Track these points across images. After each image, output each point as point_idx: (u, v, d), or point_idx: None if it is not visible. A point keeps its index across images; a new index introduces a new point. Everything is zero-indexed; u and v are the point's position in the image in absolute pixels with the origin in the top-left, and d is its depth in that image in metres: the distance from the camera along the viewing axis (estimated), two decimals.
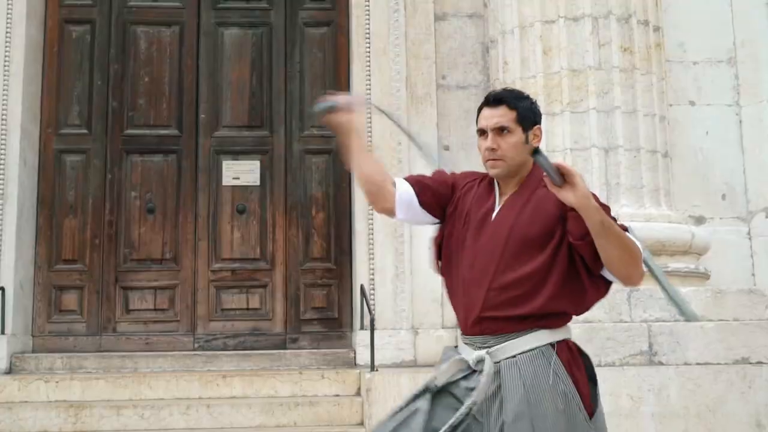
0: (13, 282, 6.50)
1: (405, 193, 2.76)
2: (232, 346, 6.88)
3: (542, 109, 5.96)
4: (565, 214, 2.53)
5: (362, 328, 6.50)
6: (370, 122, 6.65)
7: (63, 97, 7.17)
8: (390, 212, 2.80)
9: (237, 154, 7.18)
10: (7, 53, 6.71)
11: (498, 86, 6.49)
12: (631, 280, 2.51)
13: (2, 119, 6.61)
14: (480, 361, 2.57)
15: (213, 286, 7.03)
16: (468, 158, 6.76)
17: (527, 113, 2.70)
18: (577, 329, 5.65)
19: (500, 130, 2.66)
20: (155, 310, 6.97)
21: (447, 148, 6.81)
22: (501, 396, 2.52)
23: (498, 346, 2.58)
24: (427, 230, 6.40)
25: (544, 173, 2.44)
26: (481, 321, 2.59)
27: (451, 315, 6.33)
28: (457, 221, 2.73)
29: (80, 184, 7.08)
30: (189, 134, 7.19)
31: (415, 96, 6.82)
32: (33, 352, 6.73)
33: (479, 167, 6.82)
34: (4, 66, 6.69)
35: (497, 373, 2.54)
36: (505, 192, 2.71)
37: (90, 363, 6.48)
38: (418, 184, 2.78)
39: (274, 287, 7.03)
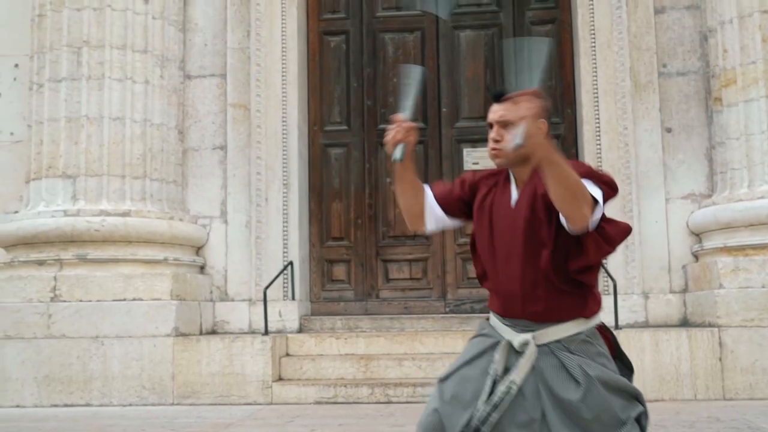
0: (298, 257, 7.80)
1: (431, 207, 2.86)
2: (479, 310, 7.91)
3: (763, 92, 6.72)
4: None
5: None
6: (598, 108, 7.51)
7: (325, 98, 8.40)
8: (423, 230, 2.95)
9: (475, 142, 8.16)
10: (284, 65, 7.97)
11: (718, 72, 7.16)
12: (571, 219, 2.50)
13: (283, 121, 7.88)
14: (525, 344, 2.65)
15: (459, 257, 8.09)
16: (689, 139, 7.49)
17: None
18: None
19: (504, 124, 2.73)
20: (411, 279, 8.12)
21: (669, 131, 7.51)
22: (544, 378, 2.63)
23: (540, 331, 2.66)
24: (653, 205, 7.12)
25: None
26: (523, 311, 2.69)
27: (678, 281, 7.12)
28: (485, 215, 2.79)
29: (343, 173, 8.31)
30: (433, 126, 8.25)
31: (639, 84, 7.54)
32: (312, 315, 8.03)
33: (699, 148, 7.48)
34: (282, 76, 7.95)
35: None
36: (520, 181, 2.76)
37: (364, 324, 7.70)
38: (441, 196, 2.88)
39: None
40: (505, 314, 2.74)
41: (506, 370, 2.64)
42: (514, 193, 2.75)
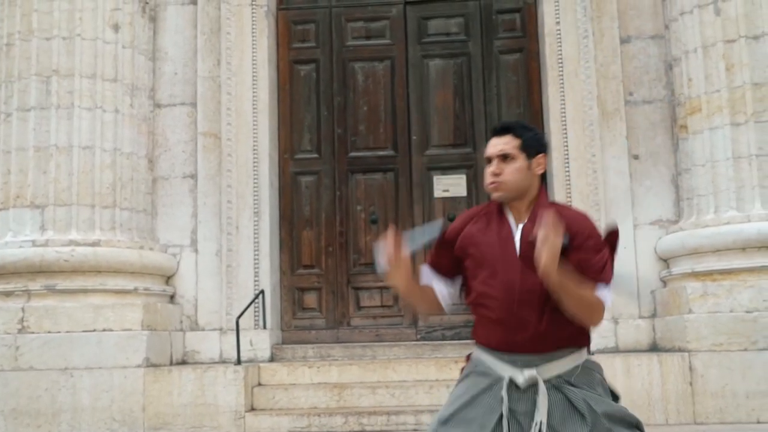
0: (269, 285, 7.77)
1: (440, 290, 2.94)
2: (450, 337, 7.92)
3: (727, 120, 6.85)
4: (572, 239, 2.69)
5: None
6: (566, 136, 7.61)
7: (295, 127, 8.42)
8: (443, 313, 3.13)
9: (445, 169, 8.22)
10: (254, 94, 7.98)
11: (683, 101, 7.29)
12: (588, 324, 2.73)
13: (254, 150, 7.88)
14: (529, 380, 2.67)
15: None
16: (656, 166, 7.61)
17: (531, 142, 2.80)
18: None
19: (504, 157, 2.78)
20: (382, 306, 8.13)
21: (636, 158, 7.62)
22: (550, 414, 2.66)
23: (543, 366, 2.69)
24: (622, 231, 7.20)
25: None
26: (529, 341, 2.70)
27: (647, 306, 7.19)
28: (485, 251, 2.78)
29: (314, 201, 8.31)
30: (403, 154, 8.29)
31: (606, 112, 7.66)
32: (283, 343, 7.98)
33: (666, 175, 7.55)
34: (253, 105, 7.95)
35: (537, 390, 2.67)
36: (519, 217, 2.80)
37: (336, 352, 7.67)
38: (435, 265, 2.93)
39: None
40: (505, 349, 2.72)
41: (510, 410, 2.65)
42: (514, 227, 2.78)
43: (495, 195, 2.81)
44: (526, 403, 2.66)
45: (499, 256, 2.75)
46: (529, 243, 2.68)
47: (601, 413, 2.62)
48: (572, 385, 2.67)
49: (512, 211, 2.82)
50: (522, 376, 2.66)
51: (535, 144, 2.82)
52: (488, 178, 2.81)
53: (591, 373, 2.73)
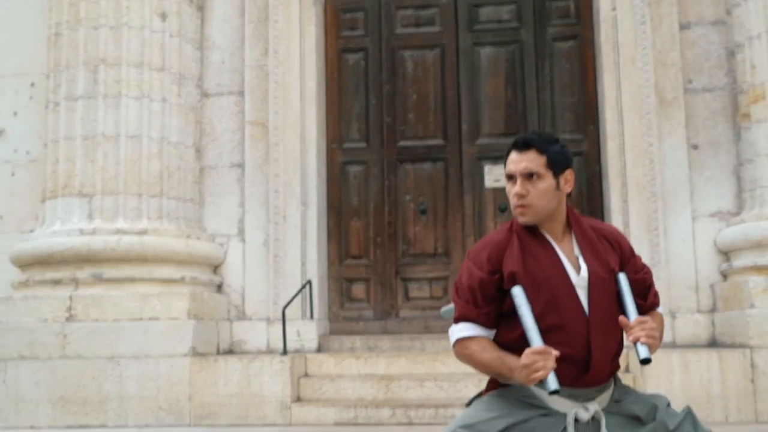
0: (317, 275, 7.67)
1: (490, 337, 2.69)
2: None
3: None
4: (622, 258, 2.64)
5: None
6: (622, 125, 7.36)
7: (344, 116, 8.30)
8: None
9: (497, 159, 8.02)
10: (302, 83, 7.86)
11: (746, 88, 7.00)
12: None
13: (302, 139, 7.78)
14: (593, 414, 2.51)
15: None
16: (716, 156, 7.33)
17: (558, 157, 2.59)
18: None
19: (529, 176, 2.55)
20: (431, 298, 7.97)
21: (696, 147, 7.35)
22: None
23: (600, 397, 2.56)
24: (680, 223, 6.92)
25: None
26: (597, 375, 2.54)
27: (706, 300, 6.92)
28: (540, 285, 2.54)
29: (362, 191, 8.19)
30: (453, 143, 8.13)
31: (664, 100, 7.39)
32: (330, 334, 7.88)
33: (727, 165, 7.24)
34: (301, 94, 7.84)
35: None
36: (557, 238, 2.61)
37: (383, 343, 7.54)
38: (486, 325, 2.64)
39: None
40: (567, 384, 2.47)
41: None
42: (560, 252, 2.58)
43: (522, 219, 2.59)
44: None
45: (557, 285, 2.53)
46: (596, 276, 2.53)
47: (664, 406, 2.54)
48: (621, 401, 2.58)
49: (547, 232, 2.62)
50: (586, 413, 2.49)
51: (561, 159, 2.61)
52: (514, 200, 2.58)
53: (619, 380, 2.67)
